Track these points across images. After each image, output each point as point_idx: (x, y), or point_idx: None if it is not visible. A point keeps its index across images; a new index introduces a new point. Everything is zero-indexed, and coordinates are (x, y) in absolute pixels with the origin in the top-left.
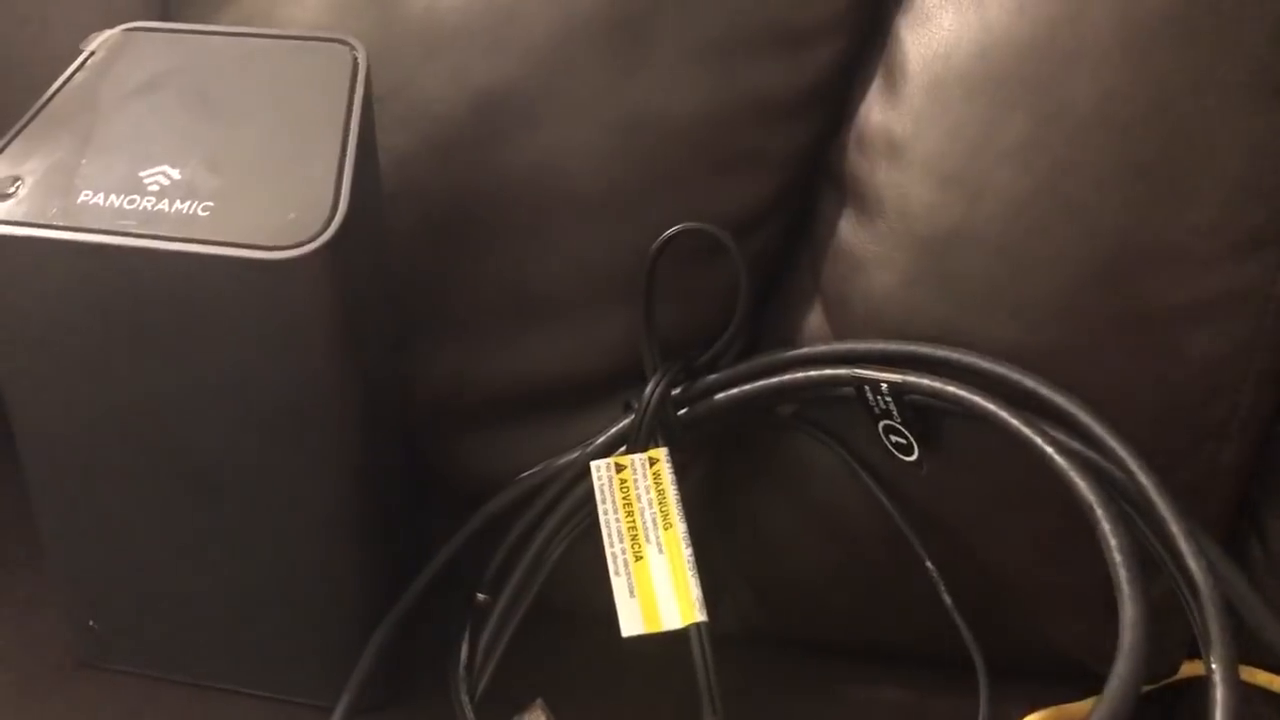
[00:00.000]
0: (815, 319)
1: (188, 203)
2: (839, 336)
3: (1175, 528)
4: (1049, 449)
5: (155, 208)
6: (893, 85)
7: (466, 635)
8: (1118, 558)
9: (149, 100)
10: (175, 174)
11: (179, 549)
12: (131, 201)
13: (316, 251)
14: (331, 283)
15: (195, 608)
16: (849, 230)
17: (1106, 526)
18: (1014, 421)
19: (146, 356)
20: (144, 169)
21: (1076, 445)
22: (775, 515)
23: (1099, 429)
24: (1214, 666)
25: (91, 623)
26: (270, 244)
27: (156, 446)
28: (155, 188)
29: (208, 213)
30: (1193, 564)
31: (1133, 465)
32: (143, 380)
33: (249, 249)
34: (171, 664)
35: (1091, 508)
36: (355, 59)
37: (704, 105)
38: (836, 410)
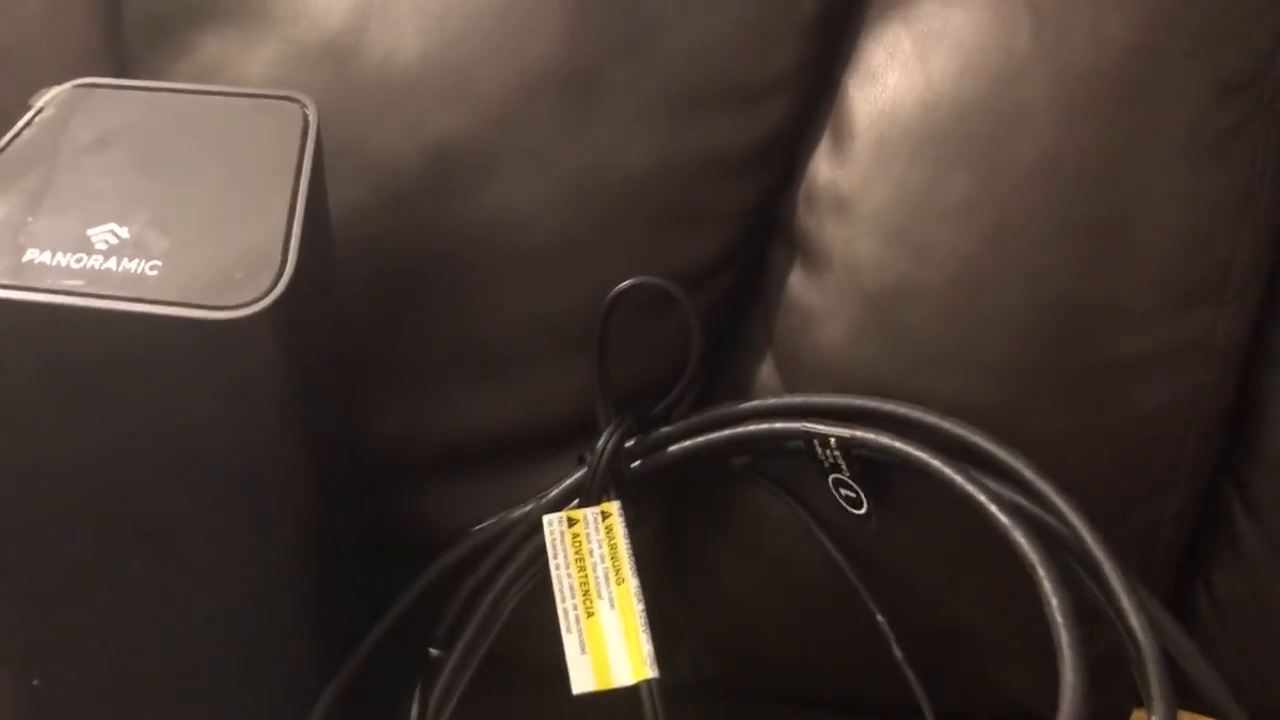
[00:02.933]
0: (766, 371)
1: (135, 261)
2: (789, 389)
3: (1117, 583)
4: (991, 506)
5: (103, 266)
6: (840, 143)
7: (418, 690)
8: (1059, 619)
9: (98, 157)
10: (124, 232)
11: (125, 607)
12: (79, 260)
13: (263, 311)
14: (279, 342)
15: (141, 666)
16: (799, 285)
17: (1048, 587)
18: (957, 478)
19: (93, 416)
20: (92, 227)
21: (1020, 500)
22: (728, 567)
23: (1041, 484)
24: None
25: (35, 681)
26: (217, 304)
27: (103, 506)
28: (103, 246)
29: (156, 272)
30: (1134, 621)
31: (1075, 520)
32: (89, 439)
33: (196, 309)
34: None
35: (1034, 567)
36: (306, 116)
37: (656, 160)
38: (789, 462)
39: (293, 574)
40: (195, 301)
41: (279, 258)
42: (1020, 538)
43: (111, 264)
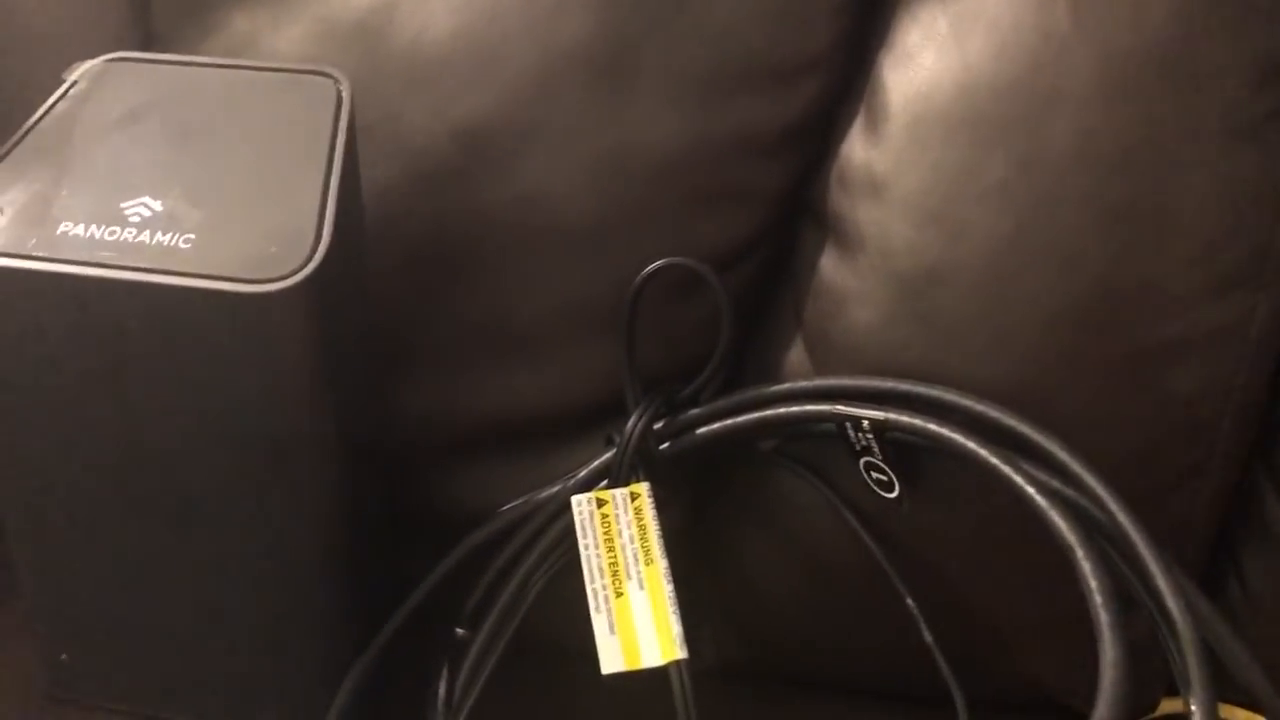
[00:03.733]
0: (797, 354)
1: (169, 235)
2: (820, 372)
3: (1154, 567)
4: (1029, 488)
5: (136, 239)
6: (874, 124)
7: (445, 670)
8: (1098, 599)
9: (131, 131)
10: (156, 205)
11: (154, 582)
12: (112, 233)
13: (298, 285)
14: (312, 317)
15: (169, 641)
16: (830, 267)
17: (1087, 567)
18: (994, 460)
19: (125, 389)
20: (125, 200)
21: (1056, 484)
22: (756, 551)
23: (1078, 467)
24: (1194, 708)
25: (64, 655)
26: (251, 277)
27: (133, 479)
28: (136, 219)
29: (189, 245)
30: (1172, 605)
31: (1112, 505)
32: (121, 413)
33: (230, 282)
34: (144, 697)
35: (1072, 549)
36: (339, 92)
37: (687, 141)
38: (818, 446)
39: (322, 549)
40: (229, 275)
41: (314, 232)
42: (1058, 520)
43: (145, 236)
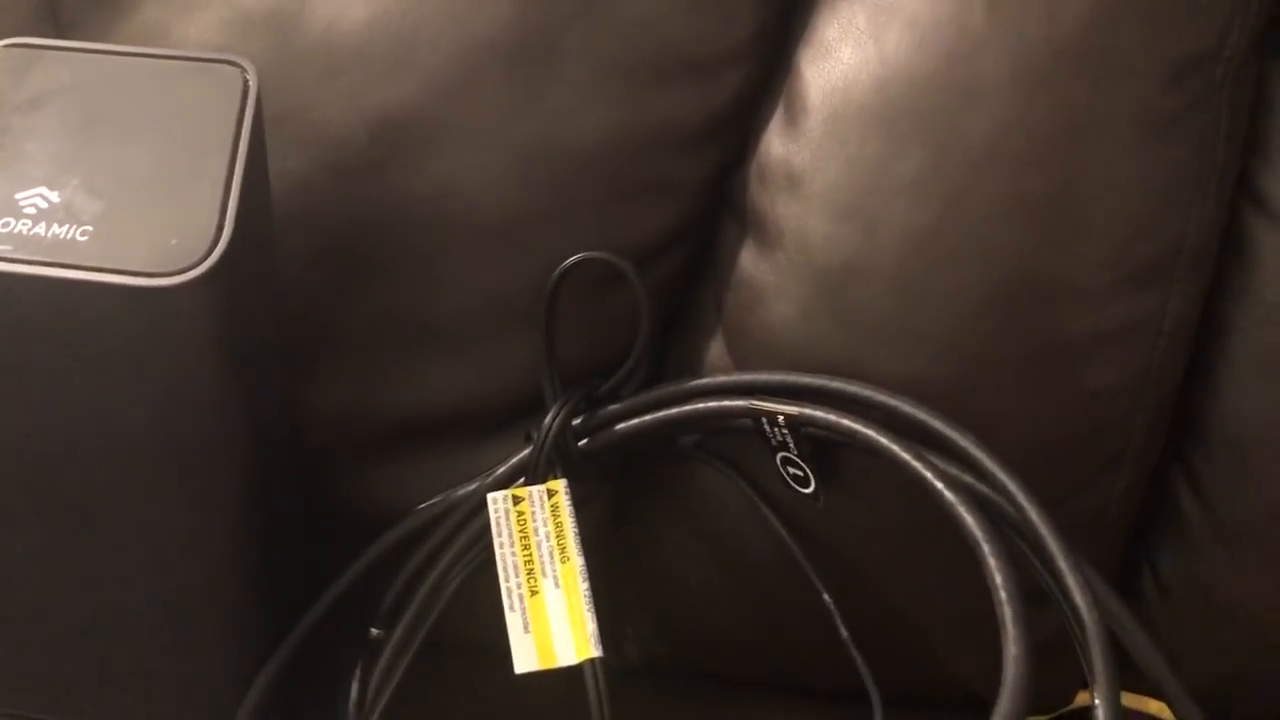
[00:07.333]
0: (716, 349)
1: (66, 227)
2: (739, 367)
3: (1062, 563)
4: (938, 483)
5: (31, 231)
6: (793, 118)
7: (358, 671)
8: (1002, 596)
9: (28, 119)
10: (54, 196)
11: (55, 587)
12: (6, 224)
13: (198, 278)
14: (214, 311)
15: (74, 647)
16: (750, 261)
17: (992, 564)
18: (903, 455)
19: (19, 386)
20: (20, 191)
21: (967, 479)
22: (676, 547)
23: (989, 463)
24: (1097, 701)
25: None
26: (150, 270)
27: (31, 479)
28: (32, 210)
29: (86, 237)
30: (1079, 599)
31: (1021, 499)
32: (16, 411)
33: (127, 275)
34: (49, 705)
35: (978, 544)
36: (246, 81)
37: (607, 133)
38: (738, 441)
39: (230, 553)
40: (127, 268)
41: (215, 224)
42: (965, 514)
43: (40, 229)
